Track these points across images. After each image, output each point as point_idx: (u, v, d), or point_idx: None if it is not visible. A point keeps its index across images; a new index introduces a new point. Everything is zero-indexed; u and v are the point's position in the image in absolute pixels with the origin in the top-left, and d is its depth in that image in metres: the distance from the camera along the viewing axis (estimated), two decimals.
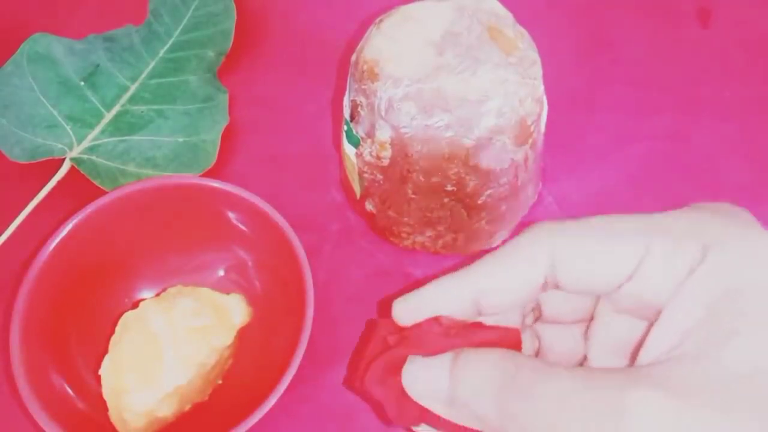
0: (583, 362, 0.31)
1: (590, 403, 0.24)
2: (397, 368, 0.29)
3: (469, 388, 0.27)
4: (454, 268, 0.48)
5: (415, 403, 0.29)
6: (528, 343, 0.32)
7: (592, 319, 0.30)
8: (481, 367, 0.27)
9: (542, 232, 0.28)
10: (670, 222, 0.27)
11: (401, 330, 0.30)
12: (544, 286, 0.28)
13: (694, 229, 0.26)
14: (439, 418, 0.28)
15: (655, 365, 0.25)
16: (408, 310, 0.30)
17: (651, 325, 0.26)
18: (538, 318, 0.32)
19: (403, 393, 0.29)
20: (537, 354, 0.32)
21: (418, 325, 0.29)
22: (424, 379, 0.28)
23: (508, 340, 0.29)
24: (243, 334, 0.42)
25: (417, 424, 0.29)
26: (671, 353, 0.25)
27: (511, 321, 0.31)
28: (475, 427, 0.27)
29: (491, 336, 0.29)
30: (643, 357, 0.25)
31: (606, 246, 0.27)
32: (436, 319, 0.29)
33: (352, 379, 0.30)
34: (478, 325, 0.29)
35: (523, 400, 0.25)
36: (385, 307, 0.34)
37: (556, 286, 0.28)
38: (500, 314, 0.30)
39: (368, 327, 0.31)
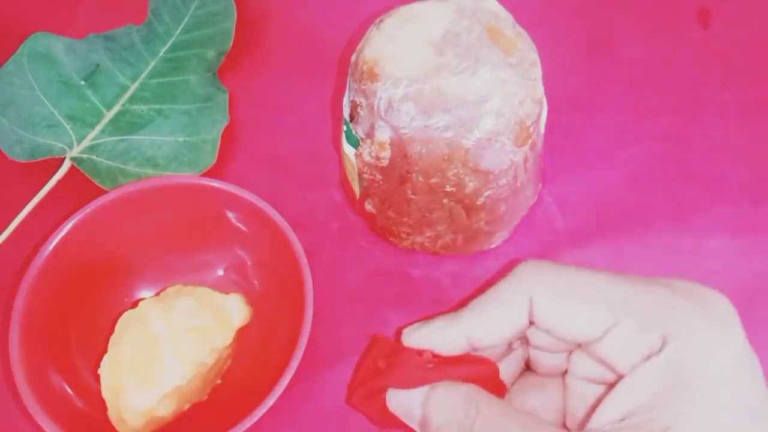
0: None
1: None
2: (382, 390, 0.33)
3: (437, 421, 0.31)
4: (452, 271, 0.48)
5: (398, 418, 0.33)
6: (518, 355, 0.35)
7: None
8: (448, 404, 0.31)
9: (524, 279, 0.31)
10: (639, 300, 0.29)
11: (391, 356, 0.33)
12: (530, 324, 0.31)
13: (660, 314, 0.28)
14: None
15: None
16: (414, 339, 0.33)
17: (608, 387, 0.30)
18: (525, 343, 0.34)
19: (386, 409, 0.33)
20: (527, 364, 0.35)
21: (405, 352, 0.33)
22: (402, 406, 0.32)
23: (486, 374, 0.32)
24: (242, 334, 0.42)
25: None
26: (615, 426, 0.28)
27: (498, 347, 0.33)
28: None
29: (469, 371, 0.32)
30: (594, 421, 0.28)
31: (578, 309, 0.30)
32: (419, 352, 0.32)
33: (348, 396, 0.36)
34: (460, 359, 0.32)
35: None
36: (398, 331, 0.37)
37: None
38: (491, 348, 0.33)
39: (370, 342, 0.34)
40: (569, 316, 0.30)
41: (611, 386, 0.29)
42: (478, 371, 0.32)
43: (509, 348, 0.34)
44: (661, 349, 0.28)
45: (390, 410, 0.33)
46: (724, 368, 0.27)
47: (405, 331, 0.33)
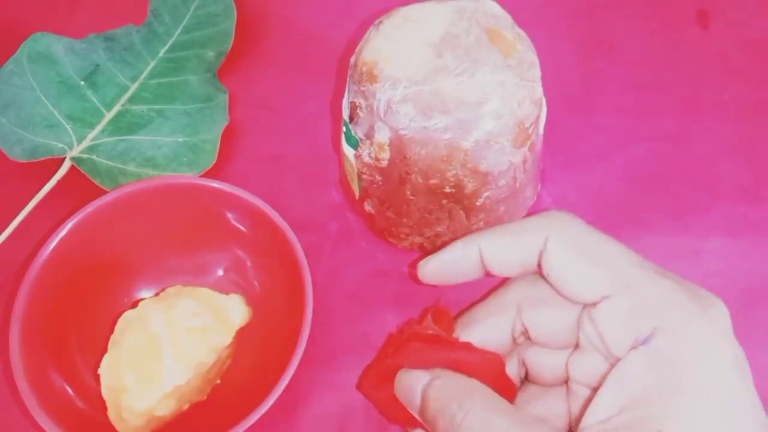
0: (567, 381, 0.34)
1: None
2: (390, 377, 0.33)
3: (433, 410, 0.31)
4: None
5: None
6: (514, 370, 0.35)
7: (576, 346, 0.32)
8: (445, 394, 0.31)
9: (547, 220, 0.32)
10: (643, 285, 0.29)
11: (397, 342, 0.33)
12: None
13: (656, 305, 0.28)
14: None
15: None
16: (429, 269, 0.34)
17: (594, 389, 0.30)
18: (527, 338, 0.34)
19: (395, 399, 0.32)
20: (525, 377, 0.35)
21: (408, 332, 0.33)
22: (406, 392, 0.32)
23: (491, 364, 0.32)
24: (242, 334, 0.42)
25: (412, 426, 0.33)
26: (605, 425, 0.28)
27: (503, 337, 0.33)
28: None
29: (473, 357, 0.32)
30: (587, 419, 0.28)
31: (582, 267, 0.30)
32: (423, 337, 0.32)
33: (359, 383, 0.36)
34: (465, 344, 0.32)
35: None
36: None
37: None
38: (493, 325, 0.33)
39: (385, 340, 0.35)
40: (572, 269, 0.30)
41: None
42: (483, 358, 0.32)
43: (513, 343, 0.34)
44: (648, 340, 0.28)
45: (397, 399, 0.32)
46: (718, 372, 0.27)
47: (419, 264, 0.34)
